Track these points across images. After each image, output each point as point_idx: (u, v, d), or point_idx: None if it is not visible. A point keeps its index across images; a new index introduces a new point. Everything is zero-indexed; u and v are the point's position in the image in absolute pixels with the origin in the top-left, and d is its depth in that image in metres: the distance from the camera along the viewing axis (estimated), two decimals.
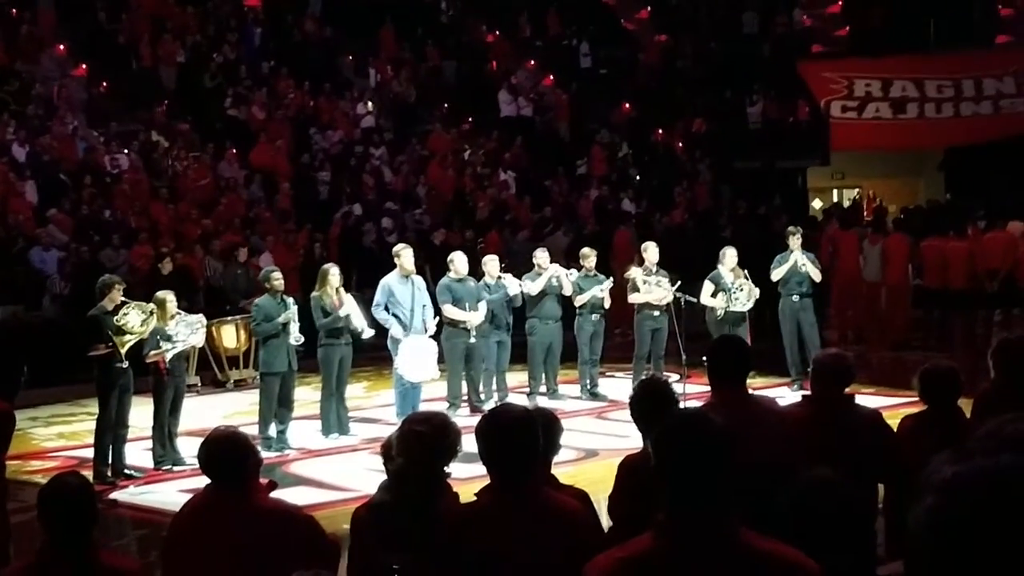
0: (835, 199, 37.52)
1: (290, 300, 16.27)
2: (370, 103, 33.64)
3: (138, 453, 15.40)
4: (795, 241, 19.41)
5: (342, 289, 16.68)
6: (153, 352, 14.80)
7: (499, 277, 18.48)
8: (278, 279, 16.38)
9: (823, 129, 35.11)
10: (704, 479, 3.96)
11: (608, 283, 19.06)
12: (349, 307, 16.59)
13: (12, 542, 9.48)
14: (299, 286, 20.40)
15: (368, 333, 16.91)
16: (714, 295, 18.58)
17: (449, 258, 18.56)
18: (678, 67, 39.11)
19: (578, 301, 18.87)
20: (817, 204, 36.73)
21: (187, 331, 15.42)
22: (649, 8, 41.88)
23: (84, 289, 19.78)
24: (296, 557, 4.91)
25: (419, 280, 17.51)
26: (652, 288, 18.71)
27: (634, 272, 18.96)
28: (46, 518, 5.80)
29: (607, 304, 19.17)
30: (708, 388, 7.73)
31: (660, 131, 35.92)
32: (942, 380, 8.35)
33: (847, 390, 8.37)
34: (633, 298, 19.08)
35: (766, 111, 36.29)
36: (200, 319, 16.27)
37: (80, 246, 23.44)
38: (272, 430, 15.96)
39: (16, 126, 26.98)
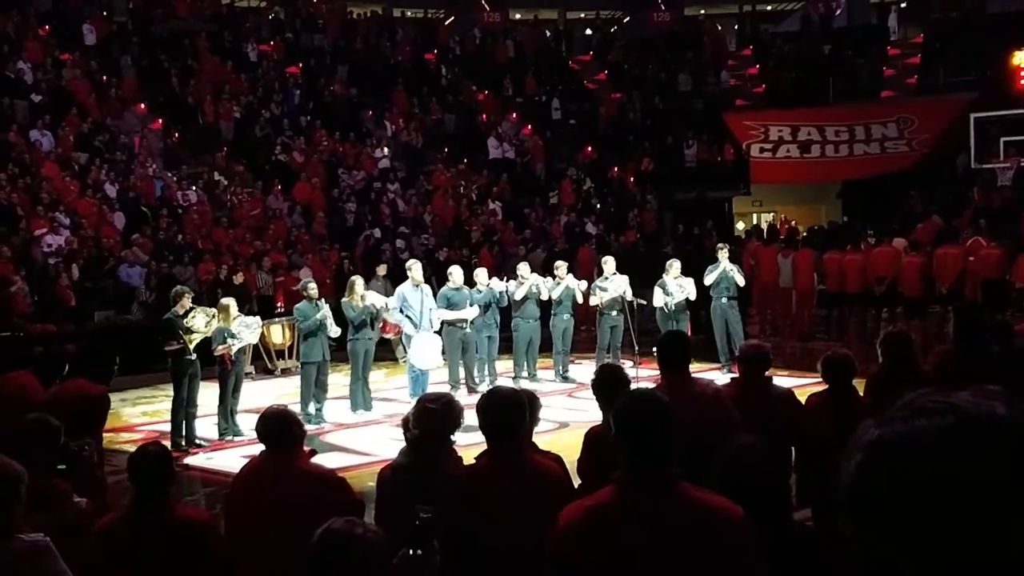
0: (755, 222, 37.52)
1: (322, 302, 16.30)
2: (386, 148, 33.60)
3: (206, 427, 15.38)
4: (723, 255, 19.48)
5: (365, 293, 16.75)
6: (221, 346, 14.90)
7: (487, 284, 18.54)
8: (313, 288, 16.49)
9: (745, 167, 35.27)
10: (652, 444, 3.98)
11: (581, 283, 19.31)
12: (371, 296, 16.83)
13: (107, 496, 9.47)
14: (333, 293, 20.43)
15: (389, 304, 17.03)
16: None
17: (448, 271, 18.62)
18: (629, 118, 39.13)
19: (555, 294, 18.94)
20: (741, 226, 36.78)
21: (247, 330, 15.51)
22: (606, 72, 41.94)
23: (161, 298, 19.83)
24: (330, 509, 4.91)
25: (427, 288, 17.51)
26: (611, 288, 18.77)
27: (596, 288, 19.04)
28: (134, 478, 5.79)
29: (580, 299, 19.32)
30: (656, 373, 7.73)
31: (616, 169, 35.88)
32: (840, 365, 8.36)
33: (766, 373, 8.40)
34: (593, 301, 19.16)
35: (699, 153, 36.35)
36: (257, 320, 16.41)
37: (158, 264, 23.46)
38: (311, 408, 15.98)
39: (107, 169, 26.92)
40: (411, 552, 3.97)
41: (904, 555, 1.49)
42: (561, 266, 19.57)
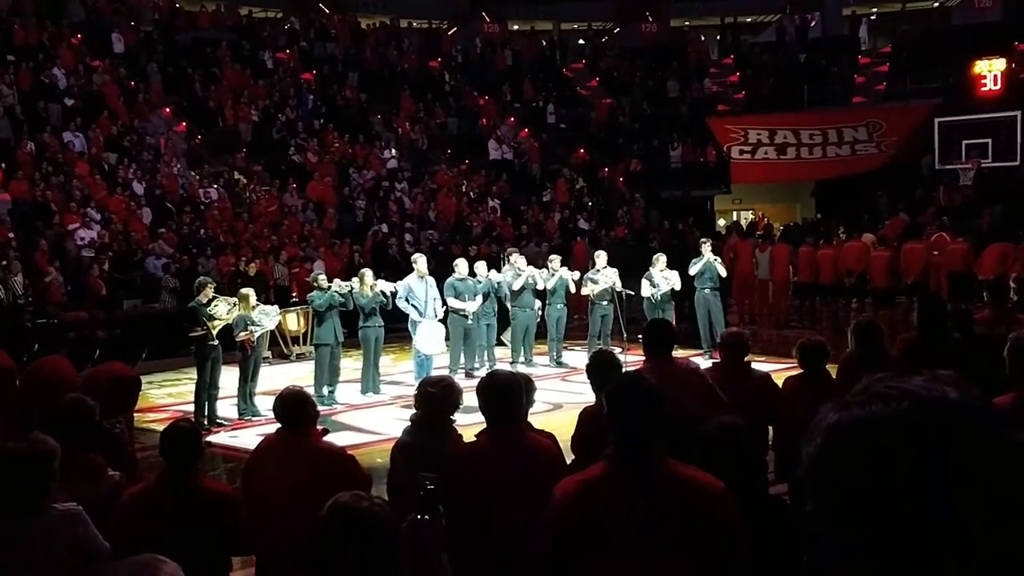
0: (735, 218, 37.56)
1: (331, 286, 16.35)
2: (394, 150, 33.56)
3: (226, 407, 15.43)
4: (706, 248, 19.56)
5: (375, 282, 16.79)
6: (242, 333, 14.93)
7: (487, 276, 18.58)
8: (323, 279, 16.72)
9: (726, 167, 35.29)
10: (641, 422, 4.00)
11: (574, 274, 19.38)
12: (381, 285, 16.87)
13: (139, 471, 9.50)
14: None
15: (397, 290, 17.15)
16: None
17: (454, 263, 18.67)
18: (619, 122, 39.11)
19: (549, 285, 19.03)
20: (721, 222, 36.75)
21: (266, 317, 15.56)
22: (598, 79, 41.93)
23: (185, 287, 19.88)
24: (340, 483, 4.94)
25: (431, 279, 17.54)
26: (601, 280, 18.84)
27: (588, 279, 19.11)
28: (165, 452, 5.82)
29: (572, 289, 19.35)
30: (643, 358, 7.74)
31: (606, 169, 35.86)
32: (814, 351, 8.41)
33: (745, 358, 8.44)
34: (584, 292, 19.21)
35: (684, 154, 36.33)
36: (275, 309, 16.52)
37: (182, 256, 23.50)
38: (324, 390, 16.00)
39: (135, 168, 26.95)
40: (419, 518, 4.02)
41: (860, 532, 1.51)
42: (555, 259, 19.62)
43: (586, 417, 6.89)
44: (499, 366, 17.50)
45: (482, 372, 16.10)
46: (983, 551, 1.47)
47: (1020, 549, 1.48)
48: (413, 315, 17.10)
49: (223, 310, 14.85)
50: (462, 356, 18.30)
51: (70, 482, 5.45)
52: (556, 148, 37.09)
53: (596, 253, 20.10)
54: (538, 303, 19.40)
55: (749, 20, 50.09)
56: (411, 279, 17.35)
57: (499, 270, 19.45)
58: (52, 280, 20.78)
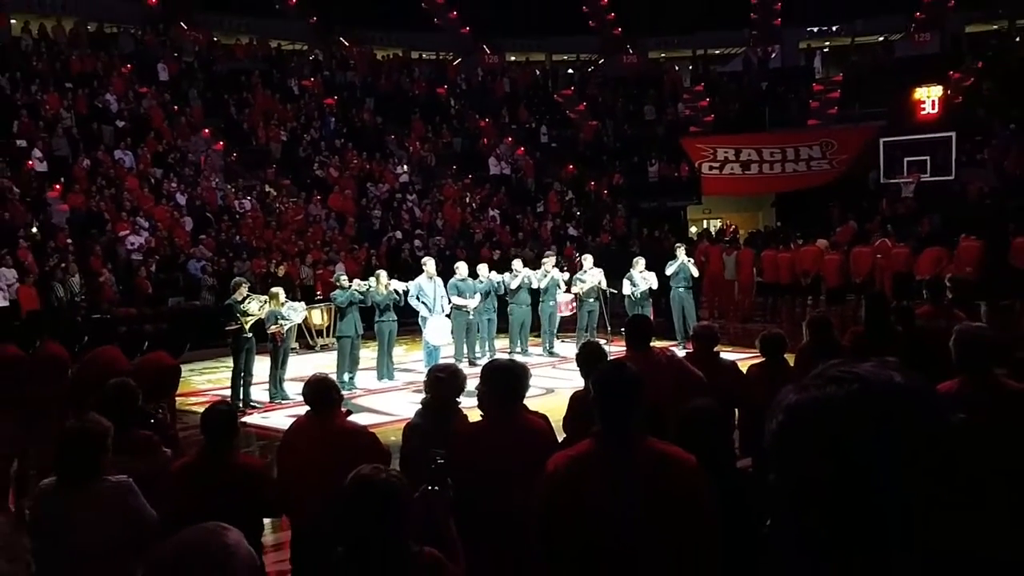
0: (705, 226, 37.56)
1: (351, 285, 16.34)
2: (406, 166, 33.56)
3: (259, 392, 15.41)
4: (681, 252, 19.53)
5: (389, 282, 16.81)
6: (273, 326, 14.94)
7: (488, 277, 18.58)
8: (344, 279, 16.68)
9: (697, 181, 35.23)
10: (623, 405, 4.01)
11: (564, 274, 19.44)
12: (394, 284, 16.95)
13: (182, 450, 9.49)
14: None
15: (409, 288, 17.19)
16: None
17: (455, 265, 18.66)
18: (604, 142, 39.09)
19: (542, 284, 19.05)
20: (693, 229, 36.73)
21: (295, 312, 15.59)
22: (585, 104, 41.91)
23: (222, 287, 19.89)
24: (363, 458, 4.94)
25: (439, 279, 17.54)
26: (588, 280, 18.86)
27: (577, 279, 19.12)
28: (205, 430, 5.84)
29: (563, 287, 19.37)
30: (625, 348, 7.74)
31: (593, 183, 35.84)
32: (774, 342, 8.41)
33: (715, 349, 8.44)
34: (573, 290, 19.21)
35: (660, 170, 36.31)
36: (302, 305, 16.58)
37: (220, 259, 23.49)
38: (346, 376, 15.98)
39: (178, 182, 26.96)
40: (429, 488, 4.02)
41: (815, 500, 1.51)
42: (547, 261, 19.61)
43: (576, 400, 6.91)
44: (498, 356, 17.55)
45: (483, 361, 16.11)
46: (924, 534, 1.48)
47: (957, 531, 1.49)
48: (423, 311, 17.11)
49: (256, 306, 14.86)
50: (465, 346, 18.30)
51: (128, 457, 5.49)
52: (548, 164, 37.05)
53: (584, 257, 20.11)
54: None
55: (718, 52, 49.99)
56: (421, 279, 17.36)
57: (499, 271, 19.47)
58: (105, 280, 20.83)
